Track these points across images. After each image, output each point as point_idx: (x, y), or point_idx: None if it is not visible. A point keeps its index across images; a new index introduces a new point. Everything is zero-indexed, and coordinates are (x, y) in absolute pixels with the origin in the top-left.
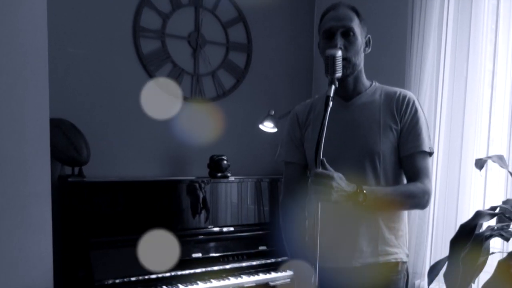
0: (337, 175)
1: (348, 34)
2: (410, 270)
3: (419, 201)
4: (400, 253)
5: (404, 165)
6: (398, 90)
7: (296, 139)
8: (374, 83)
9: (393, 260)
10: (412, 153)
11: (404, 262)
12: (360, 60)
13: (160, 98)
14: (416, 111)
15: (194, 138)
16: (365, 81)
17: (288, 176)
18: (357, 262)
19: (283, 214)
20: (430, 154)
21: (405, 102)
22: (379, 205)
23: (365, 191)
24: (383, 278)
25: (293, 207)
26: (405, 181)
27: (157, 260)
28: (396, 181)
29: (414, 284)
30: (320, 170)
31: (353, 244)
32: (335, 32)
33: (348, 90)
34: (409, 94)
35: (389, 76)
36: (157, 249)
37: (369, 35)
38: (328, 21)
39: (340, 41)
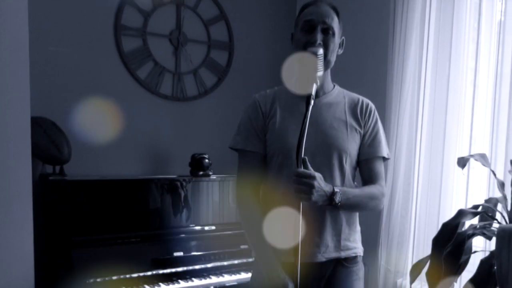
0: (318, 175)
1: (327, 31)
2: (392, 269)
3: (379, 203)
4: (358, 248)
5: (363, 167)
6: (360, 96)
7: (258, 128)
8: (336, 86)
9: (353, 255)
10: (372, 157)
11: (361, 256)
12: (333, 60)
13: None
14: (377, 119)
15: (175, 136)
16: (330, 82)
17: (246, 166)
18: (322, 257)
19: (244, 207)
20: (385, 159)
21: (368, 110)
22: (348, 206)
23: (340, 192)
24: (345, 269)
25: (254, 199)
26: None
27: (138, 259)
28: (353, 181)
29: (396, 283)
30: (302, 169)
31: (319, 240)
32: (316, 26)
33: (316, 88)
34: (370, 102)
35: (371, 75)
36: (139, 248)
37: (343, 37)
38: (310, 14)
39: (319, 36)
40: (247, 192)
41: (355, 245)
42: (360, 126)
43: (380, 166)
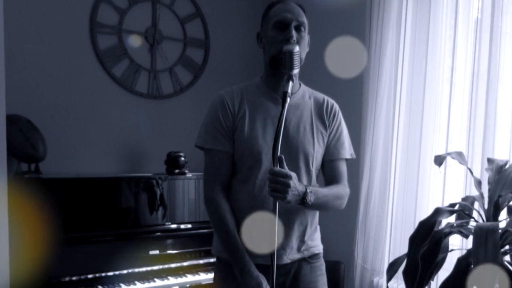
0: (294, 175)
1: (300, 28)
2: (368, 268)
3: (343, 202)
4: (319, 245)
5: (327, 167)
6: (324, 96)
7: (227, 127)
8: (301, 85)
9: (316, 252)
10: (337, 159)
11: (321, 252)
12: (303, 58)
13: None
14: (341, 120)
15: (151, 134)
16: (297, 81)
17: (216, 165)
18: (287, 259)
19: (217, 208)
20: (348, 159)
21: (333, 111)
22: (317, 206)
23: (311, 192)
24: (309, 265)
25: (225, 200)
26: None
27: (114, 257)
28: (316, 181)
29: (373, 281)
30: (278, 168)
31: (285, 242)
32: (289, 24)
33: (284, 88)
34: (334, 102)
35: None
36: (115, 246)
37: (309, 35)
38: (282, 12)
39: (294, 35)
40: (216, 192)
41: (316, 243)
42: (325, 127)
43: (343, 167)
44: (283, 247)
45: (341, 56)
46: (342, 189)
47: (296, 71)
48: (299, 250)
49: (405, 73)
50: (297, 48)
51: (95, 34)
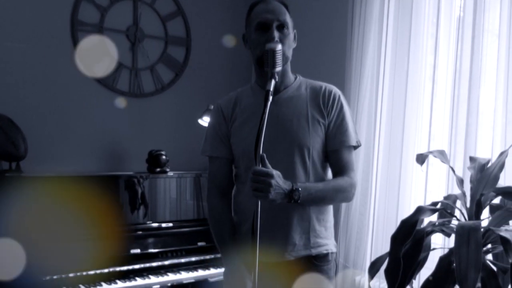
0: (276, 173)
1: (282, 27)
2: (350, 266)
3: (348, 194)
4: (330, 244)
5: (331, 158)
6: (323, 84)
7: (222, 133)
8: (298, 77)
9: (324, 252)
10: (339, 148)
11: (333, 253)
12: (290, 54)
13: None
14: (342, 106)
15: (132, 133)
16: (291, 75)
17: (214, 172)
18: (290, 256)
19: (211, 211)
20: (356, 147)
21: (331, 97)
22: (312, 201)
23: (300, 189)
24: (315, 268)
25: (221, 203)
26: (330, 172)
27: (95, 256)
28: (323, 173)
29: (354, 280)
30: (259, 168)
31: (286, 238)
32: (271, 24)
33: (276, 84)
34: (334, 88)
35: (329, 70)
36: (96, 245)
37: (295, 30)
38: (262, 13)
39: (276, 34)
40: (215, 196)
41: (327, 241)
42: (323, 116)
43: (348, 156)
44: (284, 244)
45: (321, 53)
46: (345, 181)
47: (279, 69)
48: (306, 246)
49: (387, 71)
50: (279, 47)
51: (76, 32)
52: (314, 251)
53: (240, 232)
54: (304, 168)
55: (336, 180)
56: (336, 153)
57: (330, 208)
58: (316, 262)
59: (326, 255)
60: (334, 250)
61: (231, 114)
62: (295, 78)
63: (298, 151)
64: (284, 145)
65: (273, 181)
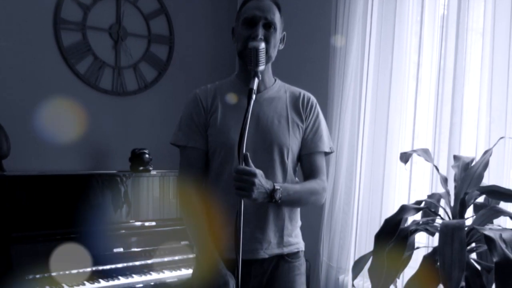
0: (259, 172)
1: (269, 26)
2: (334, 265)
3: (320, 198)
4: (300, 243)
5: (304, 161)
6: (301, 90)
7: (200, 124)
8: (277, 80)
9: (295, 250)
10: (314, 152)
11: (303, 251)
12: (274, 55)
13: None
14: (318, 113)
15: (115, 131)
16: (271, 77)
17: (188, 162)
18: (265, 254)
19: (188, 204)
20: (327, 154)
21: (310, 104)
22: (290, 202)
23: (280, 189)
24: (288, 264)
25: (197, 197)
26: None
27: (78, 255)
28: (295, 175)
29: (338, 279)
30: (242, 166)
31: (262, 236)
32: (258, 22)
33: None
34: (312, 96)
35: (313, 69)
36: (79, 244)
37: (284, 32)
38: (252, 9)
39: (261, 32)
40: (189, 189)
41: (297, 240)
42: (301, 120)
43: (321, 161)
44: (259, 241)
45: (305, 52)
46: (318, 184)
47: (261, 67)
48: (278, 245)
49: (371, 69)
50: (262, 45)
51: (59, 31)
52: (286, 250)
53: (215, 225)
54: (283, 168)
55: (310, 182)
56: (310, 157)
57: (299, 208)
58: (288, 259)
59: (297, 252)
60: (303, 248)
61: (211, 105)
62: (275, 81)
63: (278, 151)
64: (265, 144)
65: (256, 180)
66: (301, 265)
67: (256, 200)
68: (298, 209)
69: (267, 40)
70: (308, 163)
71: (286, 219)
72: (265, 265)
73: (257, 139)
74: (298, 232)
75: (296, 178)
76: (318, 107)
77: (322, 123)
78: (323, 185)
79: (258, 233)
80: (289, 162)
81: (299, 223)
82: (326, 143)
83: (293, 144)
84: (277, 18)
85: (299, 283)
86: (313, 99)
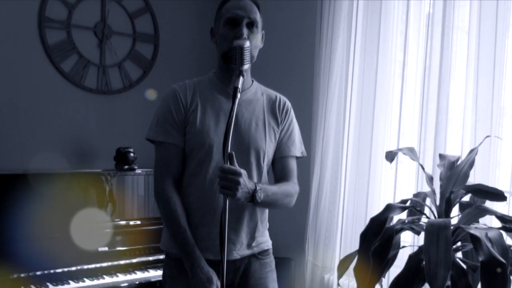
0: (243, 172)
1: (252, 25)
2: (319, 264)
3: (292, 200)
4: (268, 241)
5: (278, 164)
6: (276, 94)
7: (179, 120)
8: (254, 82)
9: (266, 248)
10: (287, 156)
11: (271, 248)
12: (256, 54)
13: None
14: (292, 117)
15: (100, 130)
16: (250, 78)
17: (166, 159)
18: (237, 255)
19: (167, 202)
20: (299, 157)
21: (285, 108)
22: (267, 204)
23: (261, 190)
24: (259, 261)
25: (176, 194)
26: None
27: (63, 254)
28: (268, 178)
29: (323, 278)
30: (227, 165)
31: (235, 237)
32: (241, 21)
33: (235, 84)
34: (287, 100)
35: (298, 68)
36: (63, 243)
37: (263, 31)
38: (233, 9)
39: (245, 31)
40: (166, 186)
41: (266, 239)
42: (277, 124)
43: (293, 164)
44: (232, 243)
45: (290, 51)
46: (292, 187)
47: (246, 66)
48: (249, 246)
49: (356, 68)
50: (247, 44)
51: (43, 29)
52: (256, 249)
53: (190, 225)
54: (258, 171)
55: (286, 185)
56: (283, 160)
57: (268, 210)
58: (260, 256)
59: (267, 250)
60: (271, 246)
61: (191, 102)
62: (252, 82)
63: (255, 154)
64: (243, 146)
65: (241, 180)
66: (272, 262)
67: (239, 200)
68: (267, 211)
69: (250, 40)
70: (280, 166)
71: (258, 220)
72: (238, 263)
73: (235, 141)
74: (266, 232)
75: (267, 181)
76: (292, 111)
77: (295, 128)
78: (296, 188)
79: (232, 234)
80: (264, 165)
81: (267, 222)
82: (298, 148)
83: (268, 148)
84: (258, 17)
85: (271, 279)
86: (288, 103)
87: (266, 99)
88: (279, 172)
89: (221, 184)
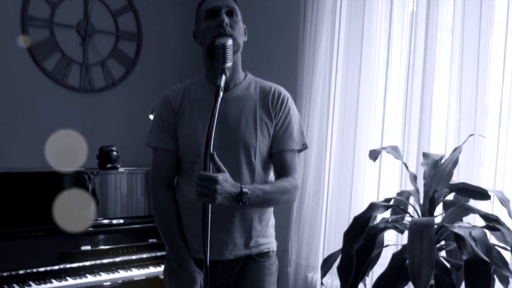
0: (222, 177)
1: (232, 13)
2: (303, 263)
3: (292, 196)
4: (272, 243)
5: (275, 159)
6: (272, 85)
7: (169, 125)
8: (248, 75)
9: (266, 250)
10: (284, 150)
11: (274, 250)
12: (241, 44)
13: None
14: (290, 109)
15: (83, 128)
16: (241, 72)
17: (159, 164)
18: (230, 255)
19: (157, 205)
20: (300, 150)
21: (280, 100)
22: (259, 204)
23: (248, 192)
24: (256, 264)
25: (167, 197)
26: (271, 174)
27: (45, 253)
28: (265, 175)
29: (307, 277)
30: (204, 172)
31: (227, 237)
32: (220, 10)
33: (226, 80)
34: (284, 91)
35: (282, 66)
36: (46, 242)
37: (244, 25)
38: (211, 2)
39: (226, 18)
40: (161, 189)
41: (268, 240)
42: (270, 118)
43: (292, 158)
44: (224, 243)
45: (273, 48)
46: (289, 183)
47: (229, 64)
48: (246, 246)
49: (340, 66)
50: (230, 42)
51: (26, 27)
52: (254, 250)
53: (184, 225)
54: (250, 168)
55: (281, 182)
56: (281, 155)
57: (271, 208)
58: (258, 258)
59: (267, 252)
60: (275, 248)
61: (180, 106)
62: (245, 76)
63: (244, 151)
64: (231, 144)
65: (218, 187)
66: (272, 265)
67: (222, 204)
68: (270, 209)
69: (232, 26)
70: (278, 161)
71: (255, 220)
72: (233, 264)
73: (224, 140)
74: (270, 232)
75: (265, 177)
76: (290, 102)
77: (293, 119)
78: (295, 184)
79: (223, 234)
80: (257, 162)
81: (271, 222)
82: (296, 141)
83: (260, 143)
84: (236, 7)
85: (269, 283)
86: (284, 94)
87: (259, 93)
88: (277, 167)
89: (198, 191)
